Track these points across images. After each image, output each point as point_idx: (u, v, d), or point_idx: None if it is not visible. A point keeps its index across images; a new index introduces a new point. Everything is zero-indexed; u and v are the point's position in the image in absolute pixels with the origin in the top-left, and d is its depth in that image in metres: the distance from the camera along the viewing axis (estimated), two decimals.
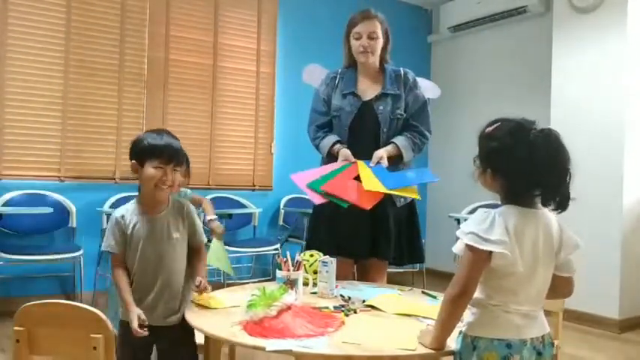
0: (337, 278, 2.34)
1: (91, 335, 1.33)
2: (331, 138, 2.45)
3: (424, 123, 2.48)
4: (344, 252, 2.36)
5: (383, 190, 2.21)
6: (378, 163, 2.33)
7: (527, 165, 1.28)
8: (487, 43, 5.32)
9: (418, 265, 5.20)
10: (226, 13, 4.62)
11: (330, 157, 2.44)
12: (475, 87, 5.39)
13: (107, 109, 4.11)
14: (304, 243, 4.36)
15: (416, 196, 2.35)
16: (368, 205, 2.20)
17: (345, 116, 2.44)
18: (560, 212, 1.32)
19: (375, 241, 2.39)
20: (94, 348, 1.32)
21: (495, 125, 1.40)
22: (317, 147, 2.53)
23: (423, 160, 5.53)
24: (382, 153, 2.35)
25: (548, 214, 1.34)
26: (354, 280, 2.49)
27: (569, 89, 4.10)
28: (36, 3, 3.84)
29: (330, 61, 4.90)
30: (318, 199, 2.25)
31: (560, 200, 1.29)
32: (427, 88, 2.75)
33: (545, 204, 1.31)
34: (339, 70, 2.57)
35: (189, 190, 2.50)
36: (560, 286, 1.39)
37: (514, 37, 5.06)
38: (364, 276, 2.49)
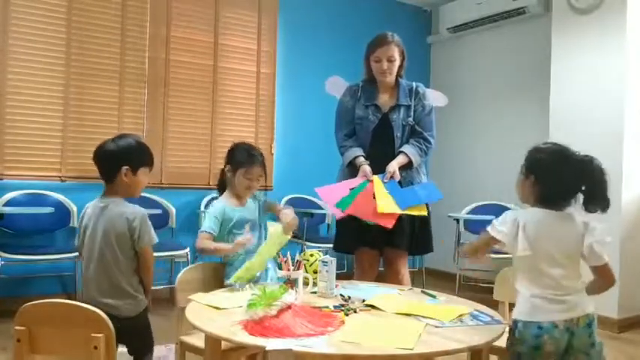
0: (363, 268, 2.74)
1: (92, 334, 1.34)
2: (355, 151, 2.74)
3: (429, 129, 2.80)
4: (367, 243, 2.70)
5: (396, 211, 2.54)
6: (391, 178, 2.63)
7: (566, 179, 1.64)
8: (487, 44, 5.32)
9: (418, 264, 5.22)
10: (227, 13, 4.63)
11: (351, 166, 2.73)
12: (475, 88, 5.39)
13: (108, 109, 4.12)
14: (304, 242, 4.42)
15: (425, 212, 2.67)
16: (389, 224, 2.52)
17: (367, 124, 2.76)
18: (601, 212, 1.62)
19: (392, 233, 2.63)
20: (95, 347, 1.33)
21: (545, 144, 1.76)
22: (341, 154, 2.81)
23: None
24: (394, 167, 2.65)
25: (574, 217, 1.64)
26: (379, 270, 2.85)
27: (568, 90, 4.10)
28: (37, 3, 3.85)
29: (329, 61, 4.94)
30: (339, 214, 2.57)
31: (602, 205, 1.61)
32: (436, 98, 3.06)
33: (588, 209, 1.63)
34: (360, 84, 2.84)
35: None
36: (596, 276, 1.66)
37: (513, 38, 5.06)
38: (392, 265, 2.79)
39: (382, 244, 2.71)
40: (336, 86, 2.97)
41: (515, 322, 1.62)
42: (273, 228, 2.07)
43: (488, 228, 1.67)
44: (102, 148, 1.98)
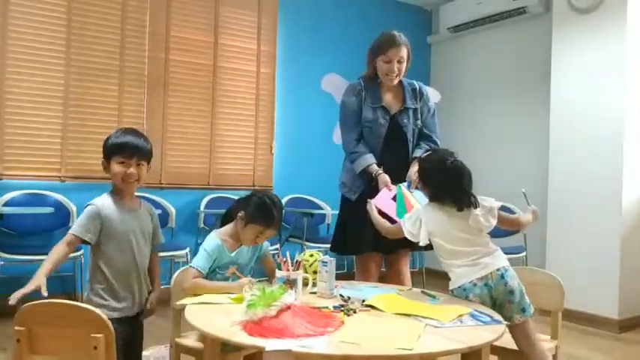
0: (369, 271, 2.66)
1: (92, 335, 1.33)
2: (367, 158, 2.65)
3: (435, 131, 2.81)
4: (380, 248, 2.64)
5: None
6: (416, 187, 2.58)
7: (443, 181, 2.01)
8: (487, 43, 5.32)
9: (418, 264, 5.22)
10: (227, 13, 4.63)
11: (364, 174, 2.65)
12: (475, 87, 5.39)
13: (108, 109, 4.12)
14: (303, 243, 4.41)
15: None
16: None
17: (377, 128, 2.68)
18: (463, 209, 1.97)
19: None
20: (95, 348, 1.33)
21: (428, 154, 2.21)
22: (352, 161, 2.70)
23: None
24: (413, 177, 2.56)
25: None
26: (383, 270, 2.79)
27: (568, 89, 4.10)
28: (37, 3, 3.85)
29: (329, 61, 4.94)
30: None
31: (466, 201, 1.97)
32: (431, 94, 2.98)
33: (457, 204, 1.98)
34: (362, 82, 2.75)
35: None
36: (504, 227, 2.15)
37: (514, 38, 5.06)
38: (394, 265, 2.76)
39: (395, 246, 2.61)
40: (333, 84, 2.90)
41: (451, 291, 1.99)
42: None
43: (402, 225, 2.08)
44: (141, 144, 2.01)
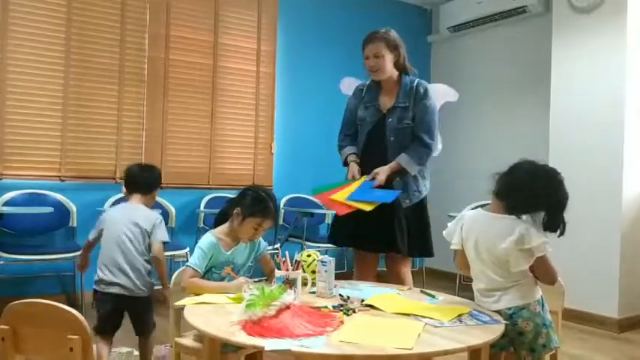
0: (360, 266, 2.73)
1: (68, 336, 1.31)
2: (347, 150, 2.77)
3: (427, 132, 2.66)
4: (364, 246, 2.70)
5: (342, 200, 2.50)
6: (373, 178, 2.59)
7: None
8: (487, 43, 5.32)
9: (418, 264, 5.22)
10: (226, 13, 4.62)
11: (346, 165, 2.77)
12: (475, 87, 5.38)
13: (107, 108, 4.12)
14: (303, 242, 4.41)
15: (368, 208, 2.46)
16: (340, 212, 2.54)
17: (365, 126, 2.73)
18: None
19: (391, 236, 2.62)
20: (71, 349, 1.30)
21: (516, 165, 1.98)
22: (339, 153, 2.84)
23: None
24: (384, 174, 2.59)
25: (515, 223, 1.79)
26: (378, 273, 2.83)
27: (568, 89, 4.10)
28: (37, 3, 3.84)
29: (329, 61, 4.94)
30: (340, 210, 2.53)
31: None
32: (446, 93, 2.96)
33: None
34: (367, 83, 2.81)
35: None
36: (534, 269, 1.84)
37: (514, 37, 5.06)
38: (390, 266, 2.76)
39: (382, 246, 2.66)
40: (350, 87, 2.94)
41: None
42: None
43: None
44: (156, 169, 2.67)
